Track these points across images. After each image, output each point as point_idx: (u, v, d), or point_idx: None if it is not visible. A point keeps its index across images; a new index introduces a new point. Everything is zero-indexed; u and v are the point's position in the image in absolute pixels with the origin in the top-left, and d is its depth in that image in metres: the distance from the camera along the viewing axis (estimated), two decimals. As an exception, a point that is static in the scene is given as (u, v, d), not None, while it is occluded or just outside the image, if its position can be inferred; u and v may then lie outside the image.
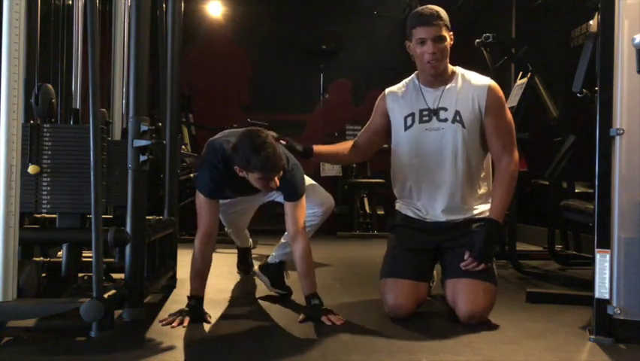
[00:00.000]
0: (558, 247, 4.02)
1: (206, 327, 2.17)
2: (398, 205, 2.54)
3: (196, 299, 2.28)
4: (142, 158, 2.20)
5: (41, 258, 2.41)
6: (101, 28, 2.19)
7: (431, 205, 2.39)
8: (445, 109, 2.35)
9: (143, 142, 2.19)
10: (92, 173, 1.97)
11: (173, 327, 2.12)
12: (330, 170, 6.39)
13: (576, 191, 3.51)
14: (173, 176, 3.12)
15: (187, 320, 2.17)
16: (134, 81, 2.25)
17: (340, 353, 1.87)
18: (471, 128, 2.33)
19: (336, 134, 6.68)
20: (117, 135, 2.76)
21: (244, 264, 3.48)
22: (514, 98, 3.89)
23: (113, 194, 2.34)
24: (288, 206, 2.40)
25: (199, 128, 6.29)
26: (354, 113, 6.82)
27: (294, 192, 2.39)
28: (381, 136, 2.59)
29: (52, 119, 2.34)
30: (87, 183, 2.01)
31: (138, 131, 2.19)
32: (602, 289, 2.01)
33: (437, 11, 2.29)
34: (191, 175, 5.23)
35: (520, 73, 3.99)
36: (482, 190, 2.41)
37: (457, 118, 2.33)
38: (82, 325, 1.97)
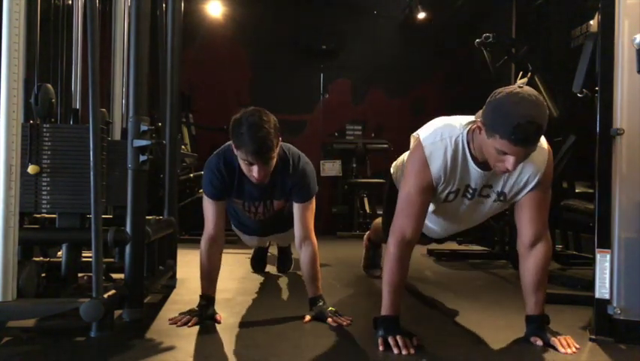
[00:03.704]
0: (558, 247, 4.02)
1: (207, 327, 2.16)
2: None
3: (207, 299, 2.27)
4: (142, 158, 2.20)
5: (41, 258, 2.41)
6: (101, 28, 2.19)
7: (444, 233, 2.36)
8: (490, 186, 2.01)
9: (143, 142, 2.19)
10: (91, 173, 1.96)
11: (177, 326, 2.13)
12: (330, 170, 6.38)
13: (576, 191, 3.51)
14: (173, 176, 3.12)
15: (193, 320, 2.16)
16: (134, 81, 2.25)
17: (341, 354, 1.87)
18: (510, 200, 2.05)
19: (336, 134, 6.68)
20: (117, 135, 2.76)
21: (260, 263, 3.49)
22: (514, 98, 3.87)
23: (113, 194, 2.34)
24: (296, 207, 2.35)
25: (199, 128, 6.28)
26: (354, 113, 6.82)
27: (303, 192, 2.33)
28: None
29: (52, 119, 2.34)
30: (87, 183, 2.01)
31: (138, 131, 2.19)
32: (602, 289, 2.01)
33: (539, 130, 1.71)
34: (191, 175, 5.23)
35: (520, 73, 3.99)
36: None
37: (501, 198, 2.03)
38: (82, 325, 1.97)
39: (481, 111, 1.83)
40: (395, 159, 2.61)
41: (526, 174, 1.95)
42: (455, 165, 1.93)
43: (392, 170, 2.56)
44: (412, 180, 1.97)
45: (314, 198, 2.37)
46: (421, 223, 2.01)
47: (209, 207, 2.34)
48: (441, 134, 1.94)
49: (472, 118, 1.97)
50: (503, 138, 1.70)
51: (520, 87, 1.74)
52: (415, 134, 2.04)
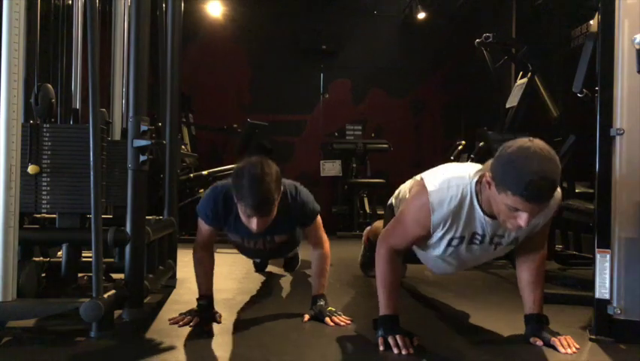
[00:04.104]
0: (558, 247, 4.02)
1: (207, 327, 2.16)
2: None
3: (206, 299, 2.28)
4: (142, 158, 2.20)
5: (41, 258, 2.41)
6: (101, 28, 2.19)
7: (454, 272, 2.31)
8: (502, 235, 1.96)
9: (143, 142, 2.19)
10: (91, 173, 1.97)
11: (179, 326, 2.13)
12: (330, 169, 6.38)
13: (576, 191, 3.51)
14: (173, 176, 3.12)
15: (196, 320, 2.17)
16: (134, 81, 2.25)
17: (341, 354, 1.87)
18: (522, 239, 2.03)
19: (336, 134, 6.68)
20: (117, 135, 2.76)
21: (262, 263, 3.50)
22: (514, 98, 3.89)
23: (112, 194, 2.34)
24: (306, 229, 2.42)
25: (199, 128, 6.28)
26: (354, 113, 6.82)
27: (307, 218, 2.37)
28: None
29: (52, 119, 2.34)
30: (87, 183, 2.01)
31: (138, 131, 2.19)
32: (602, 289, 2.01)
33: (552, 186, 1.66)
34: (191, 175, 5.23)
35: (521, 73, 3.99)
36: None
37: (514, 242, 2.01)
38: (82, 325, 1.97)
39: (489, 163, 1.78)
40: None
41: (538, 218, 1.89)
42: (459, 216, 1.88)
43: (393, 201, 2.56)
44: (410, 217, 1.97)
45: (318, 216, 2.40)
46: (412, 244, 2.06)
47: (202, 227, 2.33)
48: (448, 182, 1.88)
49: (479, 167, 1.92)
50: (515, 194, 1.63)
51: (530, 140, 1.67)
52: (418, 177, 1.99)
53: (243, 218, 2.07)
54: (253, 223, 2.04)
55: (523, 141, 1.68)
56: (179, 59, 3.18)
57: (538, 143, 1.67)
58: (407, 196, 2.18)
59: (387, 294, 1.97)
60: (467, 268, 2.30)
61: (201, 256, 2.34)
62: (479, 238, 1.96)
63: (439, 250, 2.03)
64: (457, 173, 1.91)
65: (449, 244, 1.98)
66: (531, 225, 1.85)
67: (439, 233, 1.95)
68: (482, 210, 1.86)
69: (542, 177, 1.60)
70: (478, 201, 1.86)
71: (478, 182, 1.85)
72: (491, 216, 1.86)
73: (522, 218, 1.67)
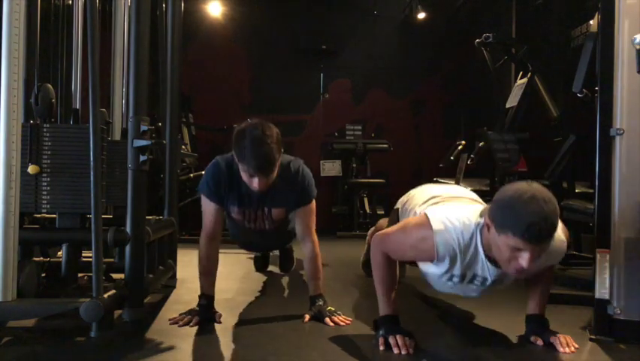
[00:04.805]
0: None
1: (207, 327, 2.16)
2: None
3: (206, 298, 2.28)
4: (142, 158, 2.20)
5: (41, 258, 2.41)
6: (101, 28, 2.19)
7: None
8: (502, 281, 1.96)
9: (143, 142, 2.19)
10: (91, 173, 1.97)
11: (179, 326, 2.13)
12: (330, 169, 6.38)
13: (576, 191, 3.52)
14: (173, 176, 3.12)
15: (195, 319, 2.17)
16: (134, 81, 2.26)
17: (340, 354, 1.87)
18: None
19: (336, 134, 6.68)
20: (117, 135, 2.76)
21: (263, 261, 3.52)
22: (514, 98, 3.89)
23: (112, 194, 2.34)
24: (298, 211, 2.38)
25: (199, 128, 6.28)
26: (354, 113, 6.82)
27: (304, 196, 2.35)
28: None
29: (52, 119, 2.34)
30: (87, 183, 2.01)
31: (138, 131, 2.19)
32: (602, 289, 2.01)
33: (553, 227, 1.65)
34: (191, 175, 5.23)
35: (521, 73, 4.00)
36: None
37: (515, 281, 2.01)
38: (82, 325, 1.97)
39: (486, 209, 1.78)
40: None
41: (538, 261, 1.80)
42: (462, 257, 1.87)
43: (399, 206, 2.56)
44: (411, 244, 1.95)
45: (314, 201, 2.40)
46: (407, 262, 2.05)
47: (207, 208, 2.35)
48: (454, 222, 1.86)
49: (481, 207, 1.90)
50: (516, 235, 1.63)
51: (528, 184, 1.69)
52: (423, 211, 1.96)
53: (245, 178, 2.13)
54: (255, 182, 2.10)
55: (521, 184, 1.70)
56: (179, 59, 3.18)
57: (536, 186, 1.69)
58: (411, 217, 2.10)
59: (386, 294, 1.99)
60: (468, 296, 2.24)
61: (208, 250, 2.33)
62: (480, 279, 1.94)
63: (436, 280, 2.04)
64: (462, 215, 1.88)
65: (449, 279, 1.97)
66: (534, 267, 1.79)
67: (438, 268, 1.94)
68: (486, 255, 1.85)
69: (543, 218, 1.61)
70: (482, 245, 1.84)
71: (482, 227, 1.83)
72: (494, 262, 1.85)
73: (524, 258, 1.66)
